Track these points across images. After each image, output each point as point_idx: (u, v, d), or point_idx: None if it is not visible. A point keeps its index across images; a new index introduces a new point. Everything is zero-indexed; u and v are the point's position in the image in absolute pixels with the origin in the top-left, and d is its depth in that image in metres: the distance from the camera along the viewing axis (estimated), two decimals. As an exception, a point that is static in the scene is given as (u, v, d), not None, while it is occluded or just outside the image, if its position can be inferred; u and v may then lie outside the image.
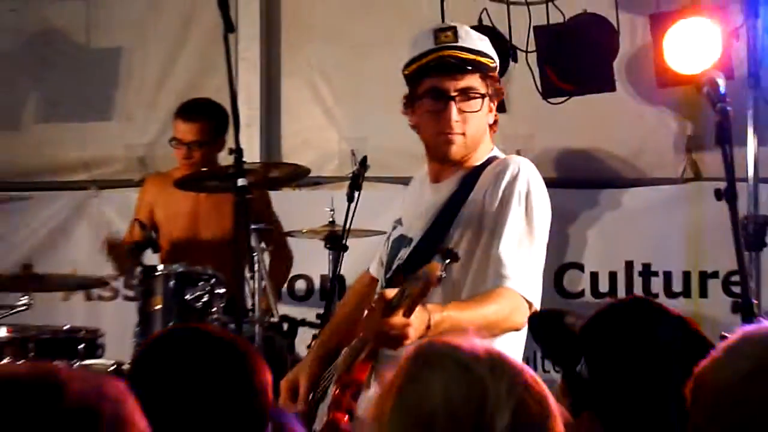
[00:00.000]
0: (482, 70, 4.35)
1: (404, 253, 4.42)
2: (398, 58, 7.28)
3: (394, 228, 4.61)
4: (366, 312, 4.13)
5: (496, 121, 4.47)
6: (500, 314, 4.06)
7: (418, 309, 3.79)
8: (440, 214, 4.38)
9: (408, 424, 2.09)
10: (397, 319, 3.77)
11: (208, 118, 6.52)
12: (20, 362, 6.15)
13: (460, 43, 4.36)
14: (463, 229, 4.27)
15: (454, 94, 4.33)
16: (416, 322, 3.80)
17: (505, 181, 4.26)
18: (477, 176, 4.38)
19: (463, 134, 4.36)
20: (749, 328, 2.41)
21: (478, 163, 4.43)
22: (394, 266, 4.42)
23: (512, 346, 4.15)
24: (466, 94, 4.35)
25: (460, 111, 4.33)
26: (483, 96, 4.35)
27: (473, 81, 4.34)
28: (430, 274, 3.65)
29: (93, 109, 8.06)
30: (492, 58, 4.38)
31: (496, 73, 4.43)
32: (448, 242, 4.20)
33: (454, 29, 4.40)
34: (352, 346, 4.25)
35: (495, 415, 2.06)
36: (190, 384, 2.65)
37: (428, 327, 3.82)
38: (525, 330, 4.15)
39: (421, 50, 4.39)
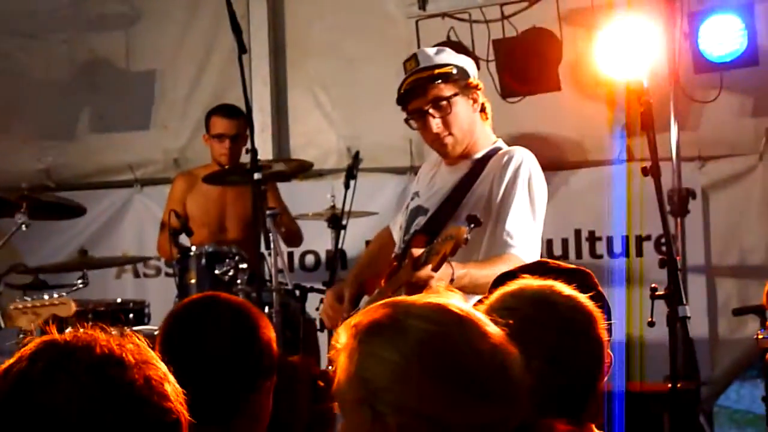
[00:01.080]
0: (442, 78, 4.36)
1: (421, 220, 4.45)
2: (383, 69, 7.44)
3: (412, 199, 4.64)
4: (387, 270, 4.19)
5: (483, 108, 4.48)
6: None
7: (444, 265, 3.84)
8: (453, 192, 4.42)
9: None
10: (425, 272, 3.81)
11: (244, 116, 6.54)
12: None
13: (420, 66, 4.37)
14: (473, 206, 4.30)
15: (426, 108, 4.36)
16: (442, 275, 3.83)
17: (510, 169, 4.30)
18: (485, 163, 4.40)
19: (451, 134, 4.38)
20: (525, 281, 2.43)
21: (484, 151, 4.46)
22: (412, 230, 4.46)
23: None
24: (437, 103, 4.37)
25: (438, 118, 4.36)
26: (451, 97, 4.36)
27: (438, 90, 4.36)
28: (458, 235, 3.71)
29: (134, 121, 8.08)
30: (451, 65, 4.39)
31: (462, 74, 4.43)
32: (458, 217, 4.23)
33: (414, 56, 4.47)
34: (372, 297, 4.28)
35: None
36: (206, 338, 2.69)
37: (452, 280, 3.86)
38: None
39: (400, 82, 4.41)
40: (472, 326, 1.96)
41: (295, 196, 7.32)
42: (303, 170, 6.91)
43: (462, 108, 4.39)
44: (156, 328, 6.05)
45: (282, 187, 7.15)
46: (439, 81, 4.34)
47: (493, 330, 1.98)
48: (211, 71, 8.00)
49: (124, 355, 1.77)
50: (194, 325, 2.71)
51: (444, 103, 4.34)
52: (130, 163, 8.07)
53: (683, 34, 6.75)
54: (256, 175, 5.42)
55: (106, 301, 6.46)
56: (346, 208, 6.20)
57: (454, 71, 4.38)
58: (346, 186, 5.91)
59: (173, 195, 7.06)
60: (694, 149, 7.41)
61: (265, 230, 5.79)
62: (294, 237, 7.04)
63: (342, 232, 6.23)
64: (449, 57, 4.44)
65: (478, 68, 7.20)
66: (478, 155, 4.45)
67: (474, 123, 4.44)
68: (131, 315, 6.28)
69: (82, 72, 7.99)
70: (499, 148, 4.46)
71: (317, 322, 6.34)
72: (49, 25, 7.87)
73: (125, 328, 5.68)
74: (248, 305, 2.80)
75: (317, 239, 7.52)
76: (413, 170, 7.76)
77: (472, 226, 3.82)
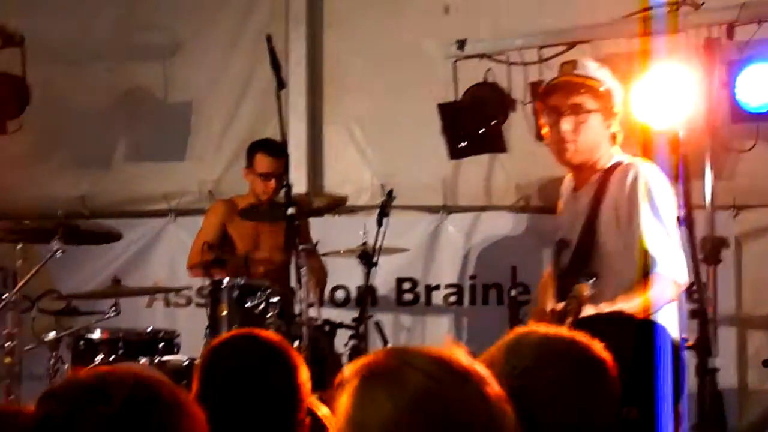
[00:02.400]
0: (591, 90, 4.44)
1: (565, 256, 4.53)
2: (419, 108, 7.48)
3: (557, 232, 4.70)
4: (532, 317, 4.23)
5: (615, 134, 4.54)
6: (653, 298, 4.15)
7: (593, 308, 3.93)
8: (586, 221, 4.47)
9: None
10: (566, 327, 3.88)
11: (286, 155, 6.56)
12: (111, 358, 6.24)
13: (577, 71, 4.48)
14: (605, 230, 4.37)
15: (564, 109, 4.43)
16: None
17: (628, 184, 4.36)
18: (606, 182, 4.47)
19: (574, 141, 4.46)
20: (522, 330, 2.37)
21: (605, 168, 4.50)
22: (560, 272, 4.53)
23: (668, 317, 4.20)
24: (576, 108, 4.45)
25: (571, 122, 4.43)
26: (591, 111, 4.44)
27: (582, 98, 4.44)
28: (580, 296, 3.77)
29: (170, 152, 8.13)
30: (603, 83, 4.46)
31: (609, 96, 4.51)
32: (597, 245, 4.33)
33: (574, 62, 4.55)
34: None
35: None
36: (243, 378, 2.71)
37: None
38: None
39: (548, 79, 4.65)
40: (472, 386, 1.95)
41: (328, 231, 7.33)
42: (337, 206, 6.94)
43: (596, 123, 4.50)
44: (185, 358, 6.13)
45: (314, 222, 7.18)
46: (586, 91, 4.41)
47: (493, 390, 1.96)
48: (248, 104, 8.04)
49: (157, 396, 1.78)
50: (234, 361, 2.72)
51: (583, 112, 4.41)
52: (164, 193, 8.10)
53: (720, 83, 6.74)
54: (290, 210, 5.45)
55: (137, 330, 6.48)
56: (378, 245, 6.25)
57: (602, 89, 4.45)
58: (379, 223, 5.95)
59: (211, 219, 7.11)
60: (728, 198, 7.38)
61: (296, 265, 5.81)
62: (320, 274, 7.07)
63: (373, 268, 6.26)
64: (605, 76, 4.54)
65: (514, 110, 7.31)
66: (599, 171, 4.50)
67: (600, 143, 4.54)
68: (161, 344, 6.30)
69: (120, 102, 8.06)
70: (619, 162, 4.52)
71: (345, 358, 6.39)
72: (91, 55, 7.93)
73: (155, 358, 5.76)
74: (286, 345, 2.82)
75: (348, 275, 7.53)
76: (446, 209, 7.83)
77: (593, 281, 3.89)
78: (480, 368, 2.00)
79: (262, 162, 6.85)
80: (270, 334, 2.85)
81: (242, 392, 2.66)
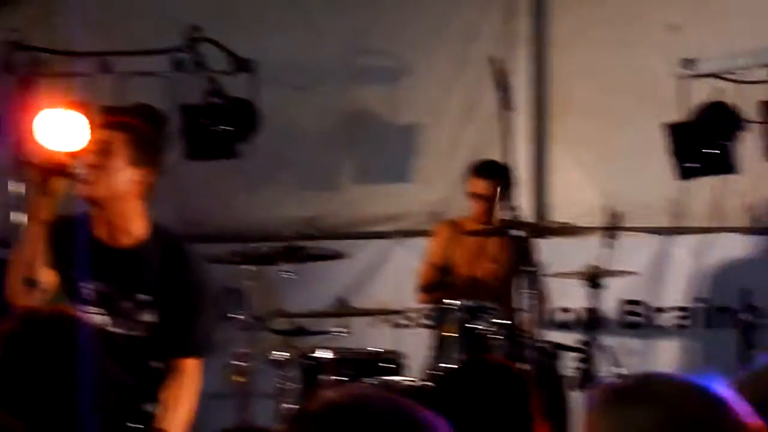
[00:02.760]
0: None
1: None
2: (646, 128, 7.36)
3: None
4: None
5: None
6: None
7: None
8: None
9: None
10: None
11: (498, 177, 6.55)
12: (338, 378, 6.31)
13: None
14: None
15: None
16: None
17: None
18: None
19: None
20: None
21: None
22: None
23: None
24: None
25: None
26: None
27: None
28: None
29: (396, 174, 8.19)
30: None
31: None
32: None
33: None
34: None
35: None
36: (475, 405, 2.69)
37: None
38: None
39: None
40: (727, 412, 1.91)
41: (553, 252, 7.26)
42: (564, 229, 6.88)
43: None
44: (409, 379, 6.17)
45: (539, 243, 7.05)
46: None
47: (752, 422, 1.92)
48: (473, 126, 8.04)
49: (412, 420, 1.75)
50: (466, 388, 2.71)
51: None
52: (390, 214, 8.18)
53: None
54: (516, 232, 5.44)
55: (363, 351, 6.55)
56: (605, 267, 6.16)
57: None
58: (606, 245, 5.86)
59: (437, 241, 7.15)
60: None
61: (522, 286, 5.78)
62: (543, 296, 7.03)
63: (599, 291, 6.17)
64: None
65: (744, 129, 7.12)
66: None
67: None
68: (387, 365, 6.35)
69: (346, 124, 8.16)
70: None
71: (571, 381, 6.32)
72: (318, 78, 8.06)
73: (380, 378, 5.82)
74: (519, 370, 2.80)
75: (573, 296, 7.41)
76: (673, 230, 7.67)
77: None
78: (734, 397, 1.95)
79: (473, 183, 6.90)
80: (501, 360, 2.83)
81: (477, 419, 2.64)
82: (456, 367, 2.85)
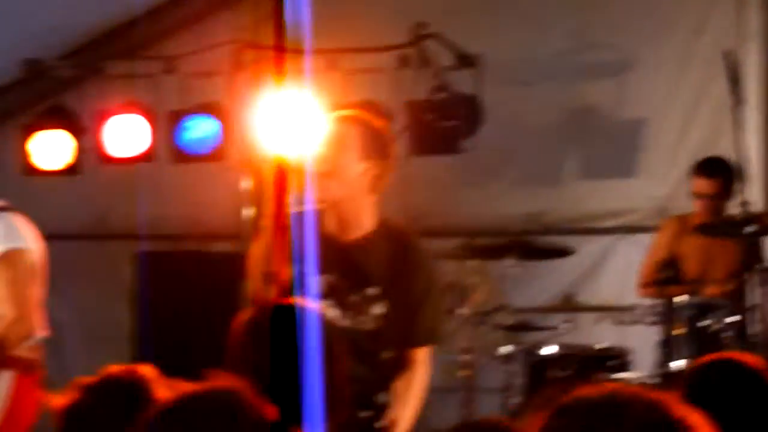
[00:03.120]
0: None
1: None
2: None
3: None
4: None
5: None
6: None
7: None
8: None
9: None
10: None
11: (722, 175, 6.44)
12: (564, 375, 6.28)
13: None
14: None
15: None
16: None
17: None
18: None
19: None
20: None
21: None
22: None
23: None
24: None
25: None
26: None
27: None
28: None
29: (620, 168, 8.12)
30: None
31: None
32: None
33: None
34: None
35: None
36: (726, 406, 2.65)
37: None
38: None
39: None
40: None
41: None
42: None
43: None
44: (637, 376, 6.10)
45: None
46: None
47: None
48: (700, 120, 7.92)
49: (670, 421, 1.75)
50: (721, 387, 2.65)
51: None
52: (614, 210, 8.10)
53: None
54: (749, 228, 5.31)
55: (590, 347, 6.51)
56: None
57: None
58: None
59: (662, 237, 7.09)
60: None
61: (754, 284, 5.64)
62: None
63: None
64: None
65: None
66: None
67: None
68: (613, 362, 6.29)
69: (571, 119, 8.11)
70: None
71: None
72: (542, 73, 8.04)
73: (607, 375, 5.80)
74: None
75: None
76: None
77: None
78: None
79: (696, 182, 6.84)
80: (753, 360, 2.74)
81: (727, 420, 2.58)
82: (699, 364, 2.75)
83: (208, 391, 2.17)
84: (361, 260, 4.49)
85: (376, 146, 4.49)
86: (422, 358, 4.53)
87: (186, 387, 2.22)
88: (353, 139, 4.44)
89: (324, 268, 4.27)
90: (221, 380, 2.26)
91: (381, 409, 4.44)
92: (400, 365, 4.50)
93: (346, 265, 4.47)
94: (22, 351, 5.18)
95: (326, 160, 4.42)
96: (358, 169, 4.43)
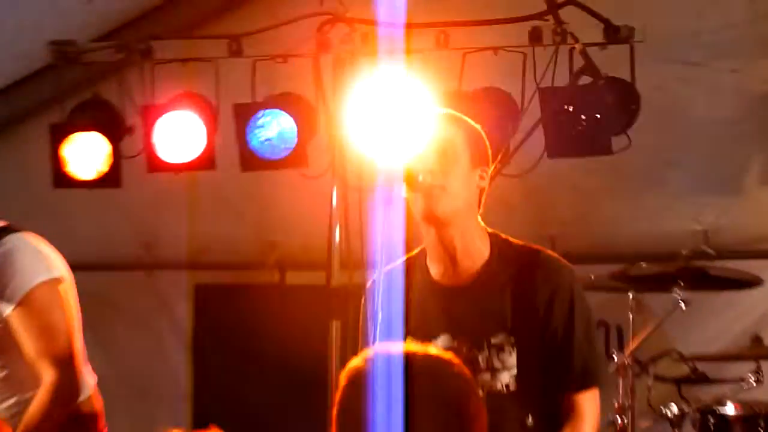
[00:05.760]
0: None
1: None
2: None
3: None
4: None
5: None
6: None
7: None
8: None
9: None
10: None
11: None
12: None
13: None
14: None
15: None
16: None
17: None
18: None
19: None
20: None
21: None
22: None
23: None
24: None
25: None
26: None
27: None
28: None
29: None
30: None
31: None
32: None
33: None
34: None
35: None
36: None
37: None
38: None
39: None
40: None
41: None
42: None
43: None
44: None
45: None
46: None
47: None
48: None
49: None
50: None
51: None
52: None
53: None
54: None
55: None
56: None
57: None
58: None
59: None
60: None
61: None
62: None
63: None
64: None
65: None
66: None
67: None
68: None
69: (752, 110, 7.95)
70: None
71: None
72: (715, 50, 7.88)
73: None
74: None
75: None
76: None
77: None
78: None
79: None
80: None
81: None
82: None
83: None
84: (479, 305, 4.46)
85: (481, 150, 4.50)
86: (584, 406, 4.46)
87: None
88: (462, 143, 4.45)
89: (433, 330, 4.41)
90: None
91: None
92: (562, 415, 4.45)
93: (461, 316, 4.46)
94: (77, 409, 5.23)
95: (437, 171, 4.38)
96: (472, 179, 4.44)
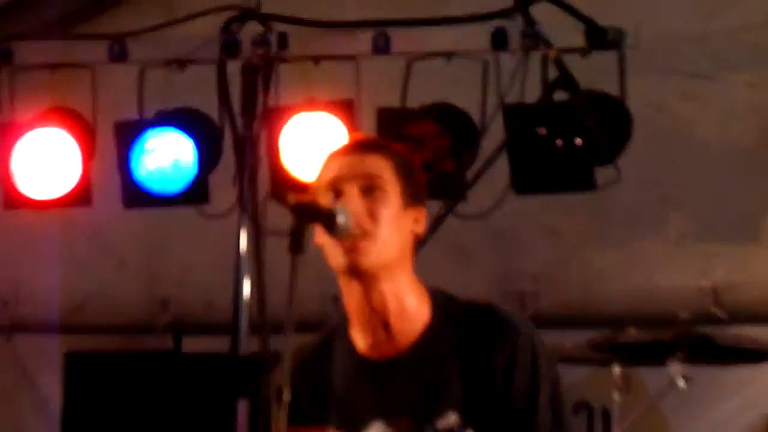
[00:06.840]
0: None
1: None
2: None
3: None
4: None
5: None
6: None
7: None
8: None
9: None
10: None
11: None
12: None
13: None
14: None
15: None
16: None
17: None
18: None
19: None
20: None
21: None
22: None
23: None
24: None
25: None
26: None
27: None
28: None
29: None
30: None
31: None
32: None
33: None
34: None
35: None
36: None
37: None
38: None
39: None
40: None
41: None
42: None
43: None
44: None
45: None
46: None
47: None
48: None
49: None
50: None
51: None
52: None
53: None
54: None
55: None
56: None
57: None
58: None
59: None
60: None
61: None
62: None
63: None
64: None
65: None
66: None
67: None
68: None
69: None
70: None
71: None
72: (727, 59, 7.61)
73: None
74: None
75: None
76: None
77: None
78: None
79: None
80: None
81: None
82: None
83: None
84: (417, 381, 4.12)
85: (415, 186, 4.17)
86: None
87: None
88: (393, 177, 4.12)
89: (362, 417, 4.11)
90: None
91: None
92: None
93: (394, 399, 4.11)
94: None
95: (362, 212, 4.03)
96: (405, 223, 4.11)
